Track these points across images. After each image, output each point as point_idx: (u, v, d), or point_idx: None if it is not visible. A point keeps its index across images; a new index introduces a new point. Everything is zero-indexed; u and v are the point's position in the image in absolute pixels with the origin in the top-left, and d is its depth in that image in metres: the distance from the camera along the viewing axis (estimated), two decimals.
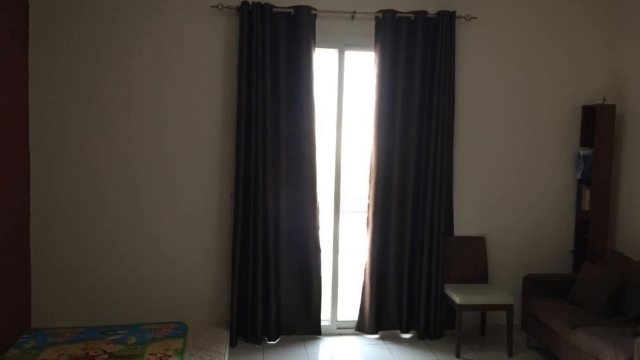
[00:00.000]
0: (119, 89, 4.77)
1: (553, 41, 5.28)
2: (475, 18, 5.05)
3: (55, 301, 4.80)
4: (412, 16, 4.92)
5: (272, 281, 4.87)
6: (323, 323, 5.11)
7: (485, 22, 5.13)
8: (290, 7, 4.78)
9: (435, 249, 5.03)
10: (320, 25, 4.84)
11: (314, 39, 4.83)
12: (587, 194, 5.23)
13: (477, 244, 5.20)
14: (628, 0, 5.21)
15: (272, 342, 4.94)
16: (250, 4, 4.69)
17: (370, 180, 5.01)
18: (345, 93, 5.08)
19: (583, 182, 5.30)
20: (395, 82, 4.95)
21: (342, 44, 5.04)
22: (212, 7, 4.75)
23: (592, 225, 5.15)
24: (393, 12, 4.88)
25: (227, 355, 4.40)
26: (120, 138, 4.81)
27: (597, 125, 5.10)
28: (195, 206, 4.92)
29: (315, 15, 4.81)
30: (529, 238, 5.35)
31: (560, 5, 5.27)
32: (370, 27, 4.93)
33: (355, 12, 4.88)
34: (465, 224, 5.23)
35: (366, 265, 5.06)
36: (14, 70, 4.45)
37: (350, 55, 5.10)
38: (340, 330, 5.21)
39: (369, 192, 5.01)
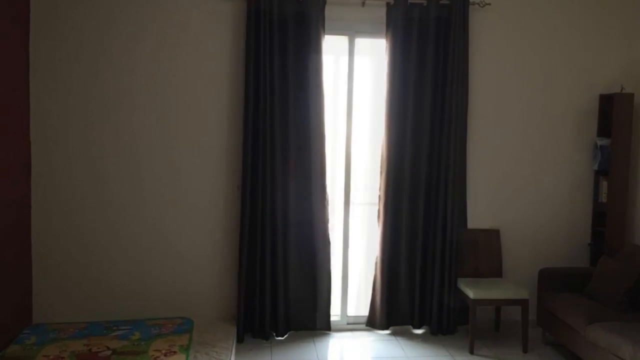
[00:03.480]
0: (123, 77, 4.66)
1: (569, 28, 5.17)
2: (489, 4, 4.93)
3: (57, 295, 4.70)
4: (424, 2, 4.80)
5: (280, 275, 4.78)
6: (332, 318, 5.01)
7: (500, 9, 5.01)
8: None
9: (448, 242, 4.92)
10: (329, 12, 4.72)
11: (323, 26, 4.71)
12: (604, 185, 5.11)
13: (491, 236, 5.09)
14: None
15: (280, 338, 4.84)
16: None
17: (381, 171, 4.90)
18: (355, 81, 4.98)
19: (600, 173, 5.17)
20: (407, 69, 4.84)
21: (352, 31, 4.92)
22: None
23: (609, 218, 5.04)
24: None
25: (233, 351, 4.30)
26: (124, 127, 4.70)
27: (614, 114, 4.98)
28: (201, 197, 4.82)
29: (325, 1, 4.70)
30: (544, 230, 5.24)
31: None
32: (381, 14, 4.80)
33: None
34: (479, 216, 5.12)
35: (377, 259, 4.96)
36: (14, 58, 4.35)
37: (361, 43, 4.98)
38: (350, 325, 5.11)
39: (380, 183, 4.91)
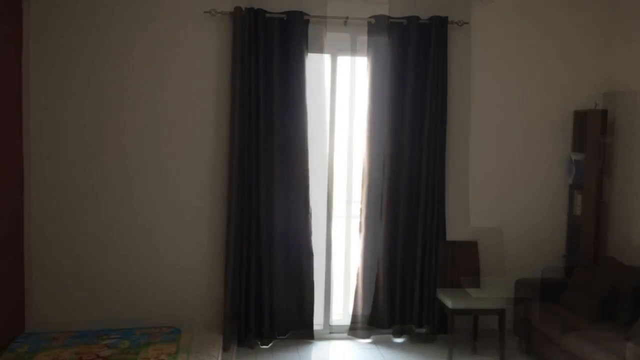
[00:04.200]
0: (114, 92, 4.78)
1: (545, 46, 5.30)
2: (467, 23, 5.08)
3: (49, 304, 4.79)
4: (405, 21, 4.93)
5: (266, 284, 4.88)
6: (316, 327, 5.11)
7: (478, 28, 5.16)
8: None
9: (427, 254, 5.05)
10: (312, 31, 4.85)
11: (307, 44, 4.84)
12: (578, 198, 5.22)
13: (469, 248, 5.17)
14: None
15: (264, 347, 4.93)
16: None
17: (362, 185, 5.03)
18: (337, 96, 5.13)
19: (575, 187, 5.29)
20: (387, 86, 4.96)
21: (335, 49, 5.05)
22: None
23: (583, 230, 5.14)
24: (386, 17, 4.90)
25: (220, 359, 4.40)
26: (115, 142, 4.81)
27: (588, 130, 5.08)
28: (190, 208, 4.93)
29: (308, 20, 4.82)
30: (521, 242, 5.32)
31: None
32: (362, 32, 4.96)
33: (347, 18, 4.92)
34: (457, 229, 5.20)
35: (358, 269, 5.08)
36: (8, 74, 4.45)
37: (343, 60, 5.12)
38: (333, 334, 5.21)
39: (361, 196, 5.04)
